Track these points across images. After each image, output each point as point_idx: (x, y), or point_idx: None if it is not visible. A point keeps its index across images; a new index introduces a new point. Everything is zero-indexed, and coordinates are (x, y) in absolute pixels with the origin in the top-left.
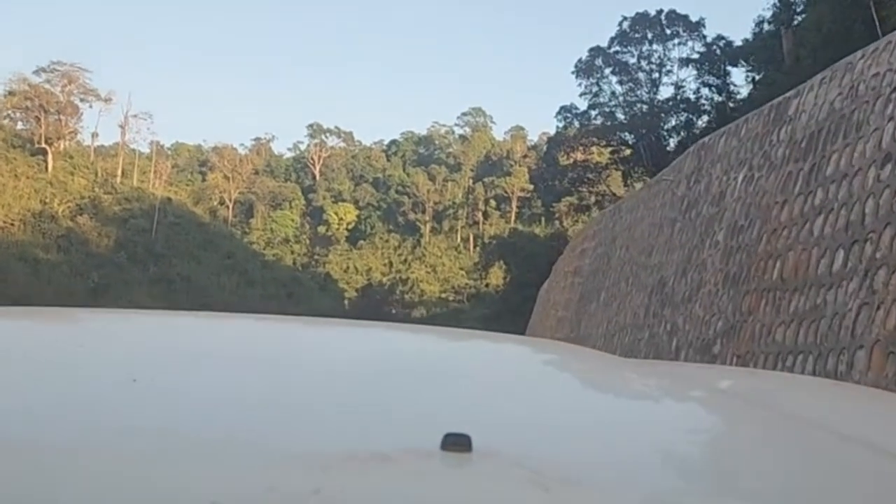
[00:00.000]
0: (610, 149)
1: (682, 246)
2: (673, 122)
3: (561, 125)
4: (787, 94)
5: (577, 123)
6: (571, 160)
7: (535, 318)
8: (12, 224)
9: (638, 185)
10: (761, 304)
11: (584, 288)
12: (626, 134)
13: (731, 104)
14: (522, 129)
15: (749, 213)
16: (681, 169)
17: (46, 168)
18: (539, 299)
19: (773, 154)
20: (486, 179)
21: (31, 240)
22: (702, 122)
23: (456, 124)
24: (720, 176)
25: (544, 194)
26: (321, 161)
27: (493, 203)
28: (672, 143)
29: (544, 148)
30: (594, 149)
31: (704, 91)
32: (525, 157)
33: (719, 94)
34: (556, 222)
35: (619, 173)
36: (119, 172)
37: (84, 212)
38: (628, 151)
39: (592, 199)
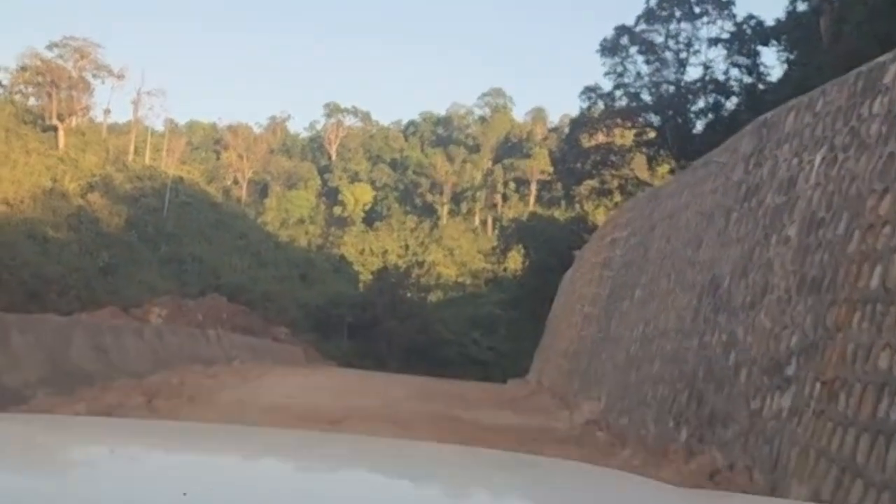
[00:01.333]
0: (634, 131)
1: (741, 240)
2: (700, 104)
3: (585, 106)
4: (881, 59)
5: (601, 104)
6: (595, 142)
7: (558, 310)
8: (22, 201)
9: (663, 169)
10: (854, 319)
11: (614, 282)
12: (652, 116)
13: (761, 85)
14: (543, 110)
15: (832, 203)
16: (735, 149)
17: (57, 145)
18: (561, 290)
19: (863, 131)
20: (505, 161)
21: (41, 217)
22: (731, 104)
23: (475, 105)
24: (789, 158)
25: (565, 177)
26: (338, 141)
27: (512, 185)
28: (699, 125)
29: (566, 130)
30: (618, 131)
31: (734, 72)
32: (545, 139)
33: (749, 74)
34: (577, 206)
35: (644, 157)
36: (131, 150)
37: (95, 189)
38: (653, 134)
39: (615, 182)
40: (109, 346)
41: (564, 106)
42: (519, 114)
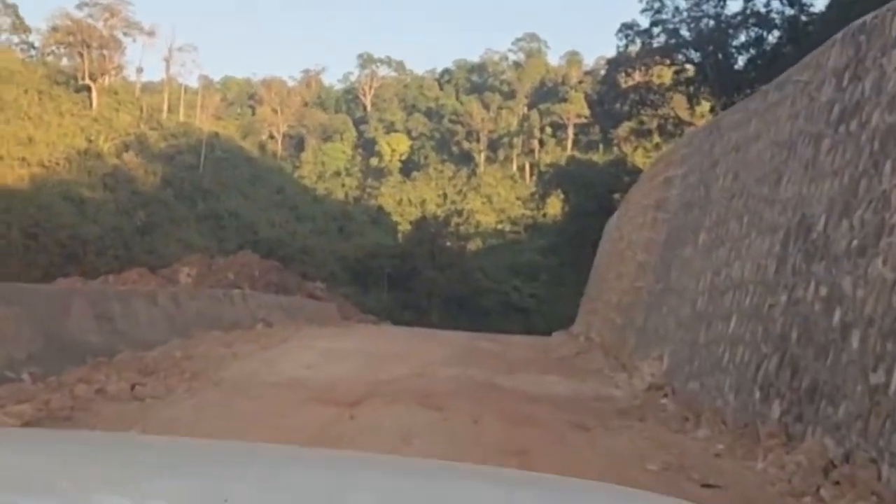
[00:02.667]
0: (674, 69)
1: (838, 172)
2: (742, 39)
3: (622, 44)
4: None
5: (638, 42)
6: (633, 82)
7: (604, 257)
8: (57, 163)
9: (703, 108)
10: None
11: (671, 226)
12: (691, 52)
13: (804, 17)
14: (578, 53)
15: None
16: (821, 65)
17: (91, 105)
18: (607, 235)
19: None
20: (541, 106)
21: (77, 178)
22: (773, 37)
23: (510, 50)
24: None
25: (602, 120)
26: (372, 92)
27: (548, 130)
28: (741, 61)
29: (602, 72)
30: (657, 69)
31: (775, 4)
32: (581, 82)
33: (791, 6)
34: (615, 149)
35: (683, 95)
36: (165, 108)
37: (130, 149)
38: (693, 71)
39: (655, 122)
40: (116, 314)
41: (600, 48)
42: (554, 58)
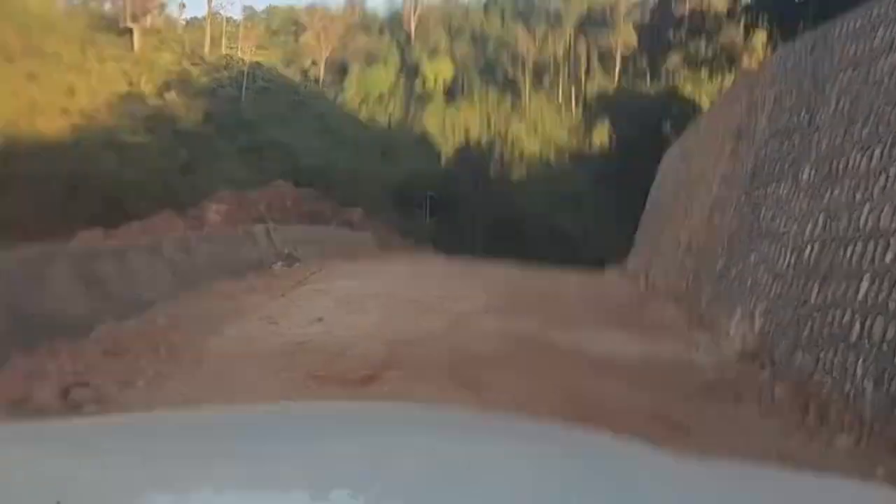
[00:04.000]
0: None
1: None
2: None
3: None
4: None
5: None
6: (687, 8)
7: (666, 192)
8: (98, 110)
9: (759, 37)
10: None
11: (759, 158)
12: None
13: None
14: None
15: None
16: None
17: (133, 47)
18: (668, 165)
19: None
20: (588, 35)
21: (118, 124)
22: None
23: None
24: None
25: (650, 49)
26: (416, 16)
27: (595, 59)
28: None
29: (651, 1)
30: None
31: None
32: (629, 12)
33: None
34: (664, 79)
35: (740, 24)
36: (207, 42)
37: (171, 87)
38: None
39: (709, 52)
40: (109, 274)
41: None
42: None
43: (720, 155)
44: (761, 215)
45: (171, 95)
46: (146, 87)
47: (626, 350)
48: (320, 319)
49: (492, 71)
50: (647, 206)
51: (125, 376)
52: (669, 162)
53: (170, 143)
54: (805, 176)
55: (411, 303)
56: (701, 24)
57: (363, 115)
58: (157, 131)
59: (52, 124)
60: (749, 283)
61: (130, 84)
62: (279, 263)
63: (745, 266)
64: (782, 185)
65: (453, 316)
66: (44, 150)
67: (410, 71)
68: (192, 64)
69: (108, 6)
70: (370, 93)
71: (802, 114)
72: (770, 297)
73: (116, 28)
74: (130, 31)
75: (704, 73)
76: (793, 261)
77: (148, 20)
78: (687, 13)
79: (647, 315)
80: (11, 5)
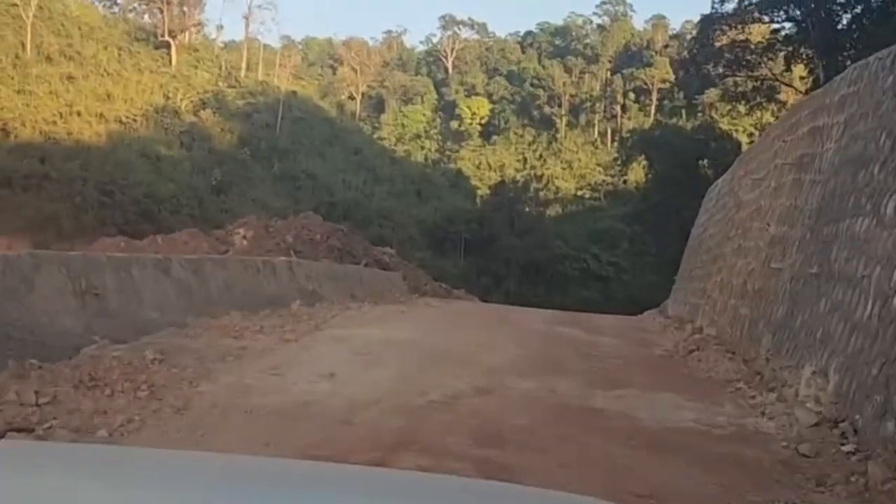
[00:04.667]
0: (773, 26)
1: None
2: None
3: (717, 0)
4: None
5: None
6: (727, 40)
7: (711, 231)
8: (135, 119)
9: (798, 70)
10: None
11: (827, 190)
12: (792, 8)
13: None
14: (664, 17)
15: None
16: None
17: (170, 62)
18: (712, 202)
19: None
20: (624, 71)
21: (154, 136)
22: None
23: (594, 13)
24: None
25: (687, 85)
26: (454, 54)
27: (631, 96)
28: (845, 19)
29: (688, 36)
30: (753, 28)
31: None
32: (666, 46)
33: None
34: (700, 115)
35: (781, 56)
36: (243, 66)
37: (207, 106)
38: (792, 30)
39: (749, 85)
40: (109, 289)
41: (686, 12)
42: (638, 22)
43: (778, 189)
44: (832, 256)
45: (207, 114)
46: (182, 102)
47: (680, 417)
48: (331, 374)
49: (528, 108)
50: (689, 245)
51: (88, 420)
52: (714, 198)
53: (204, 162)
54: (889, 210)
55: (437, 355)
56: (740, 56)
57: (400, 151)
58: (192, 148)
59: (88, 128)
60: (819, 334)
61: (167, 98)
62: (297, 302)
63: (813, 314)
64: (859, 221)
65: (483, 372)
66: (80, 153)
67: (447, 108)
68: (229, 86)
69: (146, 18)
70: (406, 129)
71: (883, 139)
72: (848, 352)
73: (154, 41)
74: (168, 45)
75: (743, 107)
76: (877, 310)
77: (186, 37)
78: (726, 45)
79: (697, 370)
80: (51, 8)
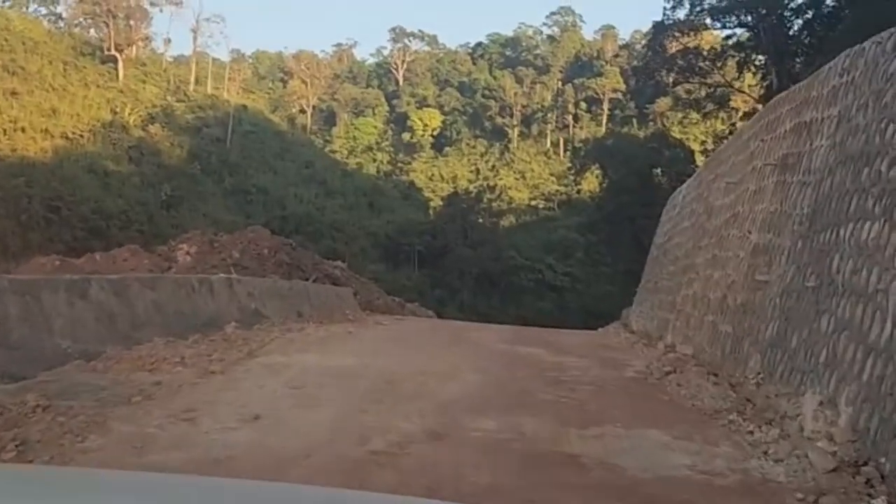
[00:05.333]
0: (725, 32)
1: None
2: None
3: (668, 6)
4: None
5: (687, 4)
6: (679, 47)
7: (676, 240)
8: (81, 135)
9: (749, 79)
10: None
11: (820, 193)
12: (744, 14)
13: None
14: (613, 27)
15: None
16: None
17: (117, 76)
18: (677, 209)
19: None
20: (575, 81)
21: (101, 151)
22: None
23: (544, 24)
24: None
25: (638, 94)
26: (404, 66)
27: (583, 105)
28: (796, 25)
29: (641, 43)
30: (705, 34)
31: None
32: (616, 56)
33: None
34: (652, 123)
35: (734, 62)
36: (192, 79)
37: (156, 121)
38: (745, 36)
39: (702, 92)
40: (12, 317)
41: (635, 22)
42: (588, 32)
43: (758, 192)
44: (833, 266)
45: (156, 128)
46: (130, 117)
47: (672, 462)
48: (256, 417)
49: (479, 119)
50: (652, 255)
51: None
52: (679, 205)
53: (153, 177)
54: None
55: (384, 387)
56: (693, 63)
57: (351, 164)
58: (141, 163)
59: (33, 144)
60: (823, 357)
61: (114, 113)
62: (233, 324)
63: (813, 334)
64: (866, 226)
65: (437, 409)
66: (25, 169)
67: (399, 120)
68: (177, 100)
69: (92, 32)
70: (358, 142)
71: (891, 131)
72: (863, 380)
73: (101, 55)
74: (115, 59)
75: (696, 114)
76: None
77: (133, 51)
78: (678, 52)
79: (679, 396)
80: None
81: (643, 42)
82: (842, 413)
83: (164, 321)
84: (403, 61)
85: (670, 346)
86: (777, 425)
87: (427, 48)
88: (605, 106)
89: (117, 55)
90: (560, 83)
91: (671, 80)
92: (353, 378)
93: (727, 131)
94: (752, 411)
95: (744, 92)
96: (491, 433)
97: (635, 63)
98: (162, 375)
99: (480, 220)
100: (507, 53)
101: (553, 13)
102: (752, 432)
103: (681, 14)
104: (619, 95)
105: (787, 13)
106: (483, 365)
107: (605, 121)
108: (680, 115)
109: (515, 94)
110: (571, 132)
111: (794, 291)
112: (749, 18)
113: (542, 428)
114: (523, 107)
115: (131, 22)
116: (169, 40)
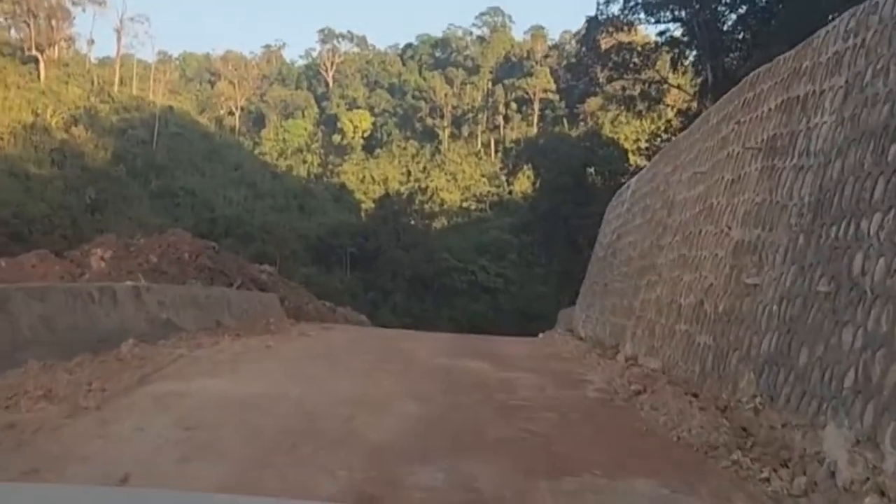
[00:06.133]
0: (659, 28)
1: None
2: None
3: (602, 1)
4: None
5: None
6: (614, 42)
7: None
8: (1, 137)
9: (678, 79)
10: None
11: (827, 178)
12: (678, 10)
13: None
14: (542, 28)
15: None
16: None
17: (39, 77)
18: (627, 205)
19: None
20: (506, 81)
21: (23, 154)
22: None
23: (474, 25)
24: None
25: (569, 94)
26: (334, 67)
27: (513, 106)
28: (730, 20)
29: (570, 43)
30: (639, 30)
31: None
32: (546, 56)
33: None
34: (583, 123)
35: (668, 58)
36: (117, 80)
37: (79, 122)
38: (678, 32)
39: (637, 89)
40: None
41: (565, 22)
42: (518, 32)
43: (737, 182)
44: (856, 267)
45: (79, 130)
46: (52, 119)
47: None
48: (124, 480)
49: (410, 121)
50: (598, 255)
51: None
52: (627, 200)
53: (77, 180)
54: None
55: (299, 426)
56: (627, 59)
57: (281, 166)
58: (64, 166)
59: None
60: (850, 380)
61: (36, 114)
62: (131, 341)
63: (831, 350)
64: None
65: (366, 458)
66: None
67: (329, 122)
68: (101, 101)
69: (13, 32)
70: (288, 144)
71: None
72: None
73: (21, 56)
74: (36, 60)
75: (631, 112)
76: None
77: (55, 52)
78: (613, 47)
79: (658, 424)
80: None
81: (573, 41)
82: (887, 456)
83: (54, 339)
84: (333, 63)
85: (632, 359)
86: (798, 469)
87: (356, 49)
88: (536, 106)
89: (38, 56)
90: (490, 84)
91: (605, 76)
92: (264, 413)
93: (663, 128)
94: (757, 447)
95: (679, 88)
96: (439, 492)
97: (568, 60)
98: (19, 414)
99: (412, 222)
100: (437, 54)
101: (483, 13)
102: (767, 479)
103: (615, 9)
104: (550, 95)
105: (721, 7)
106: (421, 389)
107: (535, 121)
108: (611, 114)
109: (446, 94)
110: (502, 133)
111: (798, 297)
112: (683, 14)
113: (502, 480)
114: (454, 108)
115: (53, 22)
116: (93, 41)
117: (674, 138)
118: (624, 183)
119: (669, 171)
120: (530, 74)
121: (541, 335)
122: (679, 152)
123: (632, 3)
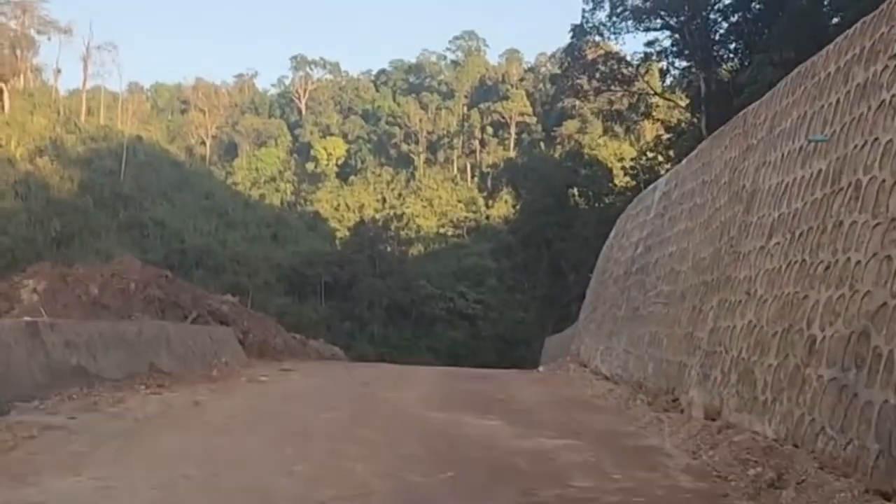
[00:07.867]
0: (649, 36)
1: None
2: (725, 0)
3: (588, 8)
4: None
5: (607, 6)
6: (601, 51)
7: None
8: None
9: (661, 89)
10: None
11: None
12: (668, 17)
13: None
14: (517, 51)
15: None
16: None
17: (3, 108)
18: (640, 218)
19: None
20: (481, 106)
21: None
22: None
23: (447, 49)
24: None
25: (548, 113)
26: (307, 94)
27: (489, 130)
28: (722, 28)
29: (542, 70)
30: (627, 38)
31: None
32: (522, 80)
33: None
34: (559, 146)
35: (657, 69)
36: (83, 110)
37: (44, 153)
38: (668, 41)
39: (626, 102)
40: None
41: (540, 45)
42: (493, 56)
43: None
44: None
45: (44, 161)
46: (17, 150)
47: None
48: None
49: (384, 147)
50: (610, 273)
51: None
52: (658, 204)
53: (42, 212)
54: None
55: None
56: (615, 69)
57: (254, 195)
58: (28, 198)
59: None
60: None
61: None
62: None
63: None
64: None
65: None
66: None
67: (302, 150)
68: (68, 132)
69: None
70: (261, 173)
71: None
72: None
73: None
74: (0, 91)
75: (619, 126)
76: None
77: (21, 81)
78: (600, 57)
79: None
80: None
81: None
82: None
83: None
84: (306, 90)
85: (713, 415)
86: None
87: (329, 76)
88: (513, 130)
89: (2, 86)
90: (465, 108)
91: (592, 87)
92: None
93: (652, 144)
94: None
95: (670, 100)
96: None
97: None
98: None
99: (389, 249)
100: (411, 80)
101: (456, 38)
102: None
103: (601, 16)
104: (527, 119)
105: (713, 15)
106: (413, 481)
107: (512, 145)
108: (591, 135)
109: (420, 120)
110: (478, 157)
111: None
112: (673, 21)
113: None
114: (429, 133)
115: (17, 51)
116: (59, 70)
117: (665, 153)
118: (610, 203)
119: (736, 155)
120: (506, 98)
121: (541, 368)
122: (752, 128)
123: (619, 10)
